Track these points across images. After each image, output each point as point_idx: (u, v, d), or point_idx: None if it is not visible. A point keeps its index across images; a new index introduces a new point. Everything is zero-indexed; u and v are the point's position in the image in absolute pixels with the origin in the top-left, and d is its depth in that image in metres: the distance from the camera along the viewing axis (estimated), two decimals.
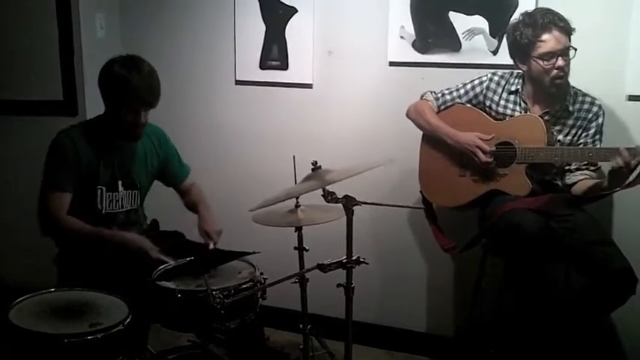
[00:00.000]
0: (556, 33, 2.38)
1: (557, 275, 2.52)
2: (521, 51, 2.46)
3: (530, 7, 2.64)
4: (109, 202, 2.42)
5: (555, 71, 2.40)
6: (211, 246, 2.41)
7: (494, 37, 2.77)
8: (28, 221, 2.41)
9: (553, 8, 2.44)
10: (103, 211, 2.41)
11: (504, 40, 2.68)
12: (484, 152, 2.50)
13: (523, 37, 2.42)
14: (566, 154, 2.43)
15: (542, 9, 2.47)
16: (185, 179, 2.70)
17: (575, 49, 2.40)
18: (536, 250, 2.32)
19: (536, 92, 2.52)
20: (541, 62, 2.41)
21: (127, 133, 2.38)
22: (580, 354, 2.51)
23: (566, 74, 2.44)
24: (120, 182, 2.44)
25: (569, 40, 2.40)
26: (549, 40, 2.38)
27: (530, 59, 2.44)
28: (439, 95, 2.68)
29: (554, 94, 2.48)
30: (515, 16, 2.64)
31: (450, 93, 2.67)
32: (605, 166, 2.40)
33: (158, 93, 2.33)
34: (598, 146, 2.49)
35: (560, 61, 2.39)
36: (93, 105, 3.08)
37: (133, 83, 2.26)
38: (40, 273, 2.42)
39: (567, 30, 2.40)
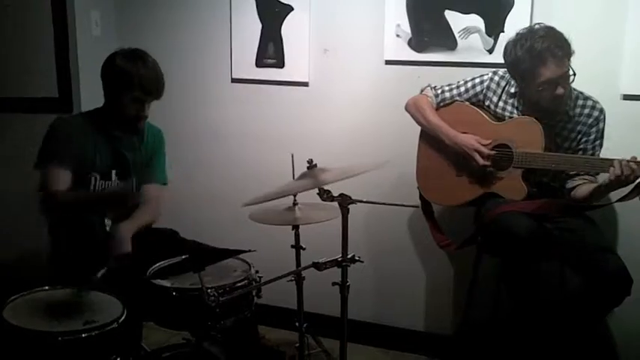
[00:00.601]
0: (552, 66, 2.28)
1: (553, 276, 2.52)
2: (518, 75, 2.41)
3: (526, 7, 2.65)
4: (101, 190, 2.41)
5: (554, 97, 2.34)
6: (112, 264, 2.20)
7: (490, 36, 2.76)
8: (23, 219, 2.40)
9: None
10: None
11: (500, 39, 2.68)
12: (482, 156, 2.49)
13: (520, 63, 2.33)
14: (563, 161, 2.38)
15: (540, 32, 2.31)
16: (150, 184, 2.53)
17: (575, 74, 2.32)
18: (528, 252, 2.31)
19: (534, 106, 2.44)
20: (539, 90, 2.34)
21: (129, 125, 2.38)
22: (574, 353, 2.51)
23: (566, 96, 2.38)
24: (114, 172, 2.44)
25: (569, 61, 2.31)
26: (546, 72, 2.29)
27: (528, 85, 2.38)
28: (439, 92, 2.66)
29: (553, 110, 2.43)
30: (512, 16, 2.65)
31: (450, 90, 2.65)
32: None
33: (163, 84, 2.35)
34: (598, 152, 2.46)
35: (559, 90, 2.32)
36: (88, 102, 3.07)
37: (139, 74, 2.27)
38: (35, 270, 2.41)
39: (566, 55, 2.30)
